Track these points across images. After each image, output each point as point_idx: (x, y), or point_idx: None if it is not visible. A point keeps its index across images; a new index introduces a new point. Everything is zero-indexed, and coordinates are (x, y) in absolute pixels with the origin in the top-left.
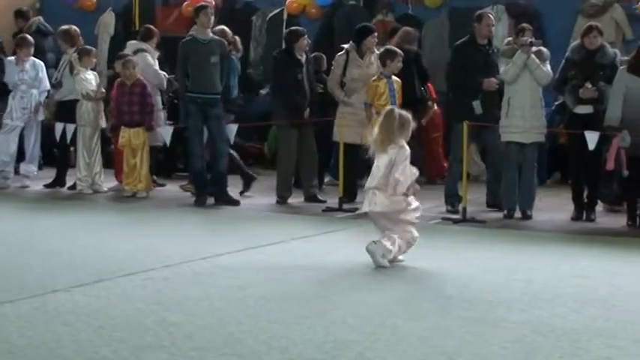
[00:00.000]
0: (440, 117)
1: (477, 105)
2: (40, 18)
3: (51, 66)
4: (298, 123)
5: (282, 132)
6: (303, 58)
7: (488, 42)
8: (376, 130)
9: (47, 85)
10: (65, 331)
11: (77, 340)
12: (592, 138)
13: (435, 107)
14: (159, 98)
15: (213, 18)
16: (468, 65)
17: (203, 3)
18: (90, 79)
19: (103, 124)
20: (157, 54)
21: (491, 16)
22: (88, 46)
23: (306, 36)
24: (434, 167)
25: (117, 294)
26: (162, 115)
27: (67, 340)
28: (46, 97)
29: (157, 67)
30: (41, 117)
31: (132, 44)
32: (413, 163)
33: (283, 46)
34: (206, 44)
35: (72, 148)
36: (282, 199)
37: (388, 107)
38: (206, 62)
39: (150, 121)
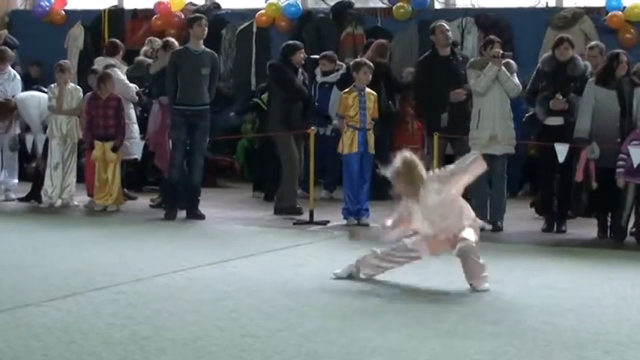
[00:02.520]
0: (420, 130)
1: (444, 118)
2: (6, 31)
3: None
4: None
5: (284, 143)
6: (300, 71)
7: (452, 52)
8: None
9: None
10: (37, 345)
11: (49, 354)
12: (562, 150)
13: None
14: (132, 111)
15: (206, 30)
16: (433, 78)
17: (197, 14)
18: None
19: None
20: (124, 67)
21: (444, 23)
22: (64, 61)
23: (302, 50)
24: None
25: (88, 308)
26: (135, 127)
27: (39, 355)
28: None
29: (126, 80)
30: (17, 130)
31: (100, 60)
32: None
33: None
34: (198, 55)
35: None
36: (294, 210)
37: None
38: (197, 74)
39: (121, 138)
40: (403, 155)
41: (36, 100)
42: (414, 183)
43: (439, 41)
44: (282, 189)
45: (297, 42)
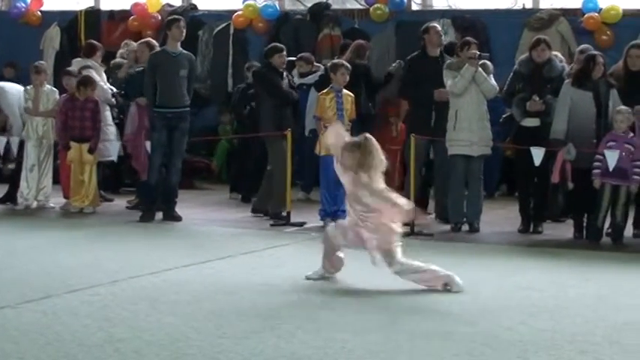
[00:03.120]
0: (403, 132)
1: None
2: None
3: None
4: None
5: (275, 145)
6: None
7: (441, 54)
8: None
9: None
10: (12, 348)
11: (24, 357)
12: (538, 153)
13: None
14: (108, 113)
15: (185, 31)
16: (421, 78)
17: (176, 16)
18: (31, 93)
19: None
20: (102, 69)
21: (437, 26)
22: (40, 62)
23: (284, 51)
24: (388, 181)
25: (64, 310)
26: (112, 129)
27: (14, 358)
28: None
29: (102, 82)
30: None
31: (77, 61)
32: None
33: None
34: (176, 57)
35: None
36: (278, 216)
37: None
38: (175, 75)
39: (96, 140)
40: (371, 137)
41: (16, 90)
42: (363, 163)
43: (432, 41)
44: (270, 194)
45: (278, 44)
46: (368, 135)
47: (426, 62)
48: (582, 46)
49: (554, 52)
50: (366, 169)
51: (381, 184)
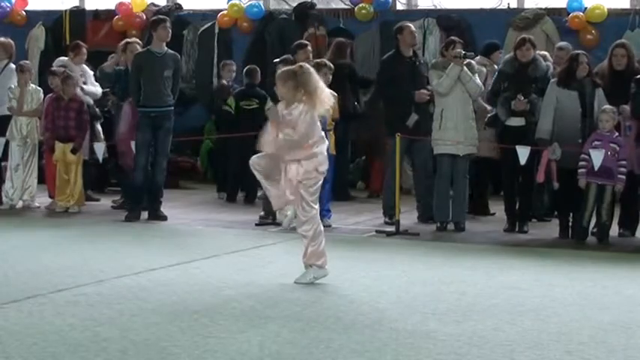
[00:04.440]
0: None
1: (412, 118)
2: None
3: None
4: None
5: None
6: None
7: (414, 53)
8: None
9: None
10: None
11: (9, 356)
12: (523, 153)
13: None
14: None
15: (170, 32)
16: (396, 78)
17: (161, 16)
18: (15, 93)
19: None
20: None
21: (411, 26)
22: (25, 61)
23: (309, 47)
24: (377, 181)
25: (49, 310)
26: (98, 128)
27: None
28: None
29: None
30: None
31: (58, 61)
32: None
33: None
34: (160, 57)
35: (3, 163)
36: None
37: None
38: (159, 75)
39: (80, 141)
40: (307, 65)
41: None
42: (298, 91)
43: (406, 41)
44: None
45: (303, 40)
46: (304, 64)
47: (401, 62)
48: (561, 44)
49: (543, 52)
50: (301, 96)
51: (312, 127)
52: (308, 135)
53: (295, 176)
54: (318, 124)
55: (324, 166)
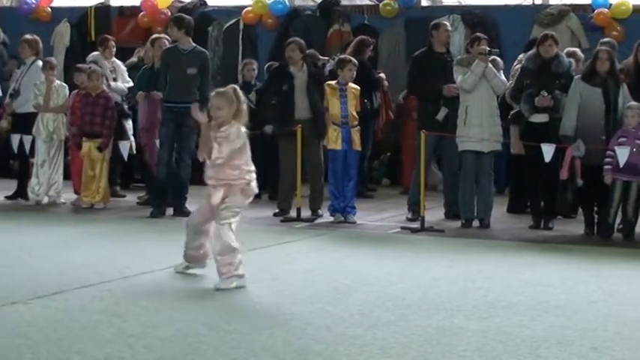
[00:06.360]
0: None
1: (442, 112)
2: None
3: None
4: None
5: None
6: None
7: (447, 50)
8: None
9: None
10: (23, 343)
11: (35, 352)
12: (548, 150)
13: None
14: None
15: (174, 30)
16: (426, 74)
17: (178, 14)
18: (41, 89)
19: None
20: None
21: (448, 24)
22: (50, 58)
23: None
24: (410, 176)
25: (75, 306)
26: (127, 126)
27: (26, 353)
28: (0, 106)
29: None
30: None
31: (93, 55)
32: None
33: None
34: (186, 54)
35: (32, 160)
36: (282, 212)
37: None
38: (183, 72)
39: (107, 140)
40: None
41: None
42: (236, 113)
43: (440, 39)
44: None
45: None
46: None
47: (432, 58)
48: (604, 39)
49: (573, 49)
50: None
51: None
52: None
53: None
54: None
55: None
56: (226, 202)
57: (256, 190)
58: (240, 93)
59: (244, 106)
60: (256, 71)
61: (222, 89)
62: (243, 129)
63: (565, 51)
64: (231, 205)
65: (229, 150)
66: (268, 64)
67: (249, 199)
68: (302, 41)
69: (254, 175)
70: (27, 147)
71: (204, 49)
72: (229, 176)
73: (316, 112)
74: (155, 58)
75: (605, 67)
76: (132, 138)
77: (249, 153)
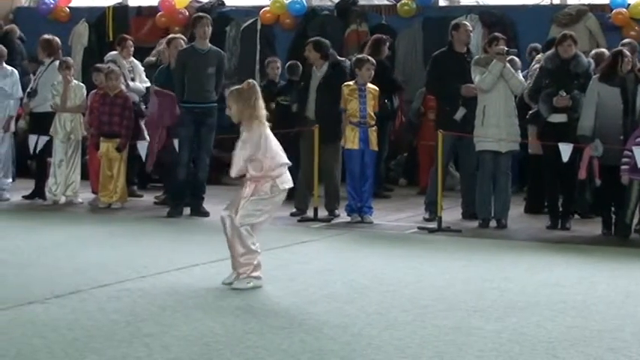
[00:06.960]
0: None
1: (460, 112)
2: (16, 27)
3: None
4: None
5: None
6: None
7: (467, 50)
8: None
9: (20, 93)
10: (40, 342)
11: (52, 351)
12: (566, 150)
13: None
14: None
15: (209, 29)
16: (446, 74)
17: (200, 14)
18: (59, 89)
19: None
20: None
21: (468, 24)
22: (67, 58)
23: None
24: (426, 177)
25: (92, 305)
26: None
27: (42, 352)
28: (20, 106)
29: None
30: (12, 129)
31: (111, 55)
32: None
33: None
34: (204, 54)
35: (49, 159)
36: (300, 212)
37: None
38: (203, 72)
39: (125, 140)
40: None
41: None
42: (245, 111)
43: (461, 39)
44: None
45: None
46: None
47: (453, 58)
48: (624, 41)
49: (602, 50)
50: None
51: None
52: None
53: None
54: None
55: None
56: (253, 198)
57: (286, 186)
58: (257, 89)
59: (259, 102)
60: (280, 69)
61: (236, 87)
62: (261, 127)
63: (592, 52)
64: (257, 200)
65: (242, 160)
66: (289, 63)
67: (278, 195)
68: (322, 40)
69: (282, 170)
70: (40, 147)
71: (220, 49)
72: (254, 176)
73: (330, 113)
74: (171, 57)
75: (628, 67)
76: (147, 137)
77: (274, 148)
